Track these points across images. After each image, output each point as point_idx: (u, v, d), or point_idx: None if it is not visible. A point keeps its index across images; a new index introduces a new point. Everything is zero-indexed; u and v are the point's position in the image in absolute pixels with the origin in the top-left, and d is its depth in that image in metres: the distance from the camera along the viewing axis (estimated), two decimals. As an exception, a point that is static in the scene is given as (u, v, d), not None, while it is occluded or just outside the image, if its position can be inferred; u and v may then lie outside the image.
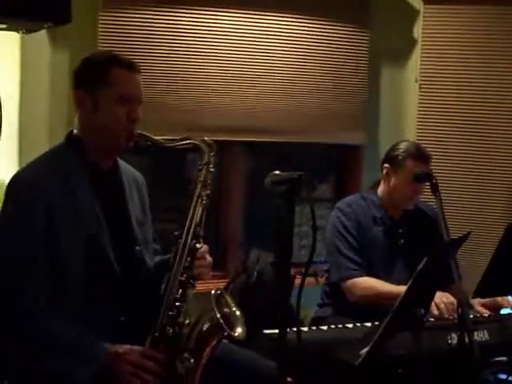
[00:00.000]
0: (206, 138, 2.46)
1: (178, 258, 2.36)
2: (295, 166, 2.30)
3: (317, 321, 3.45)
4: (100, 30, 4.05)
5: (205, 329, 2.28)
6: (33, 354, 2.19)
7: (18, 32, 3.58)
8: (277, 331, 2.19)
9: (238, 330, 2.30)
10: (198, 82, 4.32)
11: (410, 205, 3.52)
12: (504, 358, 3.12)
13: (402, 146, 3.48)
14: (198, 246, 2.38)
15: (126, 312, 2.33)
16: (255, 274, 3.99)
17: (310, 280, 3.52)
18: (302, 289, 2.18)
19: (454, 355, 2.76)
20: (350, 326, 2.96)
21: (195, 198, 2.42)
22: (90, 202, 2.32)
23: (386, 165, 3.49)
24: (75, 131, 2.41)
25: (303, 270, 2.21)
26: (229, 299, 2.36)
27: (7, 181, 2.34)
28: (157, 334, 2.28)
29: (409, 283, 2.60)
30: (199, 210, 2.40)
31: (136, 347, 2.24)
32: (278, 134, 4.59)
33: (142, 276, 2.45)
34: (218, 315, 2.24)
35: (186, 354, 2.27)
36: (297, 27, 4.54)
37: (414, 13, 4.86)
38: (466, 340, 2.65)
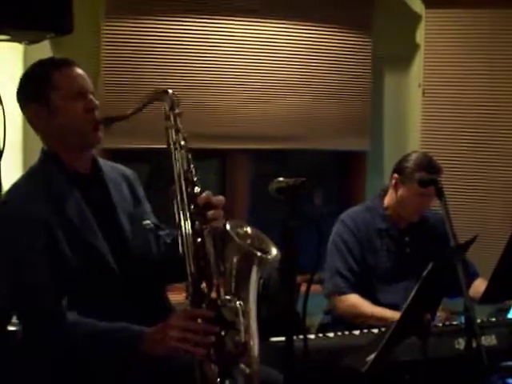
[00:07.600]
0: (160, 89, 2.34)
1: (179, 209, 2.23)
2: (299, 172, 2.29)
3: (323, 328, 3.44)
4: (103, 39, 4.06)
5: (237, 263, 2.19)
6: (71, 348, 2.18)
7: (21, 43, 3.59)
8: (283, 339, 2.18)
9: (273, 252, 2.23)
10: (202, 90, 4.32)
11: (415, 218, 3.49)
12: (512, 363, 3.11)
13: (414, 157, 3.44)
14: (196, 189, 2.26)
15: (138, 315, 2.28)
16: (261, 281, 3.97)
17: (316, 287, 3.51)
18: (308, 296, 2.18)
19: (461, 360, 2.76)
20: (357, 332, 2.95)
21: (172, 147, 2.28)
22: (80, 211, 2.31)
23: (395, 175, 3.46)
24: (45, 149, 2.41)
25: (309, 277, 2.20)
26: (245, 225, 2.31)
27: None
28: (192, 291, 2.18)
29: (415, 288, 2.59)
30: (183, 156, 2.28)
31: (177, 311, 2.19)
32: (281, 141, 4.59)
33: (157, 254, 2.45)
34: (243, 243, 2.16)
35: (227, 296, 2.18)
36: (299, 34, 4.54)
37: (416, 17, 4.86)
38: (474, 345, 2.64)
